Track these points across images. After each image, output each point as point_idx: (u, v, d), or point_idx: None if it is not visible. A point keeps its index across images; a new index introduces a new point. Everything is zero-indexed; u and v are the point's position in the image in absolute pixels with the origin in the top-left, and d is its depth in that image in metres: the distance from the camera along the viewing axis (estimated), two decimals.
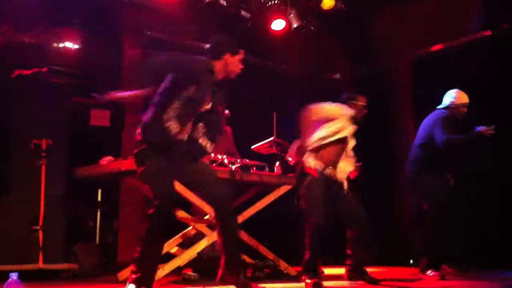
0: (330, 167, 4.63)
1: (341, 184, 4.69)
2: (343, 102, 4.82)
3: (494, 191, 6.31)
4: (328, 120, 4.67)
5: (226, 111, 5.57)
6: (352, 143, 4.73)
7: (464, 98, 5.43)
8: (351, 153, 4.76)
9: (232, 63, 3.92)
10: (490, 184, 6.31)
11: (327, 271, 5.43)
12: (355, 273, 4.74)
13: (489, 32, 6.70)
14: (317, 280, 4.32)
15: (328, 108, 4.70)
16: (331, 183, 4.61)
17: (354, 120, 4.72)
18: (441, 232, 5.22)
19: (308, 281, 4.34)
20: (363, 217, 4.69)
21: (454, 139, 5.21)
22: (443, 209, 5.21)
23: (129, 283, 3.44)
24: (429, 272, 5.14)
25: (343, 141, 4.66)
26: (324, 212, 4.47)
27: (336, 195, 4.65)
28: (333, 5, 7.08)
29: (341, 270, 5.02)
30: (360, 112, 4.83)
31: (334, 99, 4.81)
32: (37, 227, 4.90)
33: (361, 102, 4.86)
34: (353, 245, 4.75)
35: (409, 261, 6.74)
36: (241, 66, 3.95)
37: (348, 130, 4.68)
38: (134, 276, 3.46)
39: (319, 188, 4.52)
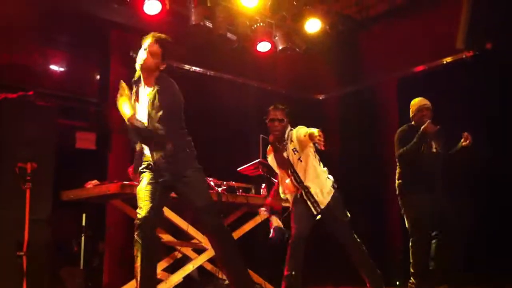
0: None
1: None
2: None
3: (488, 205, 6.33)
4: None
5: None
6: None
7: (416, 103, 5.47)
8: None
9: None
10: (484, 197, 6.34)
11: None
12: None
13: (471, 53, 6.78)
14: None
15: None
16: None
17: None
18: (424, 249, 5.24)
19: None
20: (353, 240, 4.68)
21: (404, 151, 5.23)
22: (420, 228, 5.23)
23: None
24: None
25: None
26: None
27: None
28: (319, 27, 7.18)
29: None
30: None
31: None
32: (21, 253, 4.84)
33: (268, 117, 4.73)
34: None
35: (396, 282, 6.74)
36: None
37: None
38: None
39: None
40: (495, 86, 6.48)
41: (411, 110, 5.52)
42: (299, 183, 4.56)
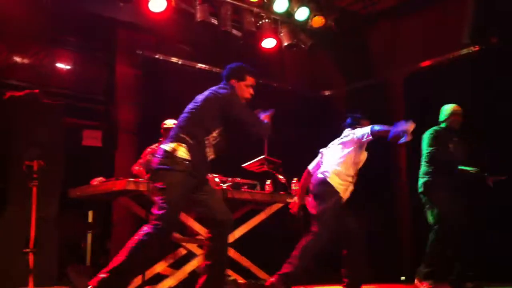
0: None
1: None
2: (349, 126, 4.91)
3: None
4: None
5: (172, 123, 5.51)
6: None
7: (451, 108, 5.57)
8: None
9: (238, 88, 4.00)
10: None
11: None
12: None
13: (477, 48, 6.75)
14: None
15: None
16: None
17: None
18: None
19: None
20: (359, 237, 4.70)
21: (437, 151, 5.34)
22: (447, 222, 5.25)
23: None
24: (424, 285, 5.17)
25: None
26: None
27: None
28: (323, 23, 7.17)
29: None
30: None
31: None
32: (28, 250, 4.88)
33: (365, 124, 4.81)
34: (348, 263, 4.73)
35: (400, 278, 6.73)
36: (250, 92, 4.05)
37: None
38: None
39: None
40: (501, 81, 6.43)
41: (444, 113, 5.59)
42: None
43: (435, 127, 5.54)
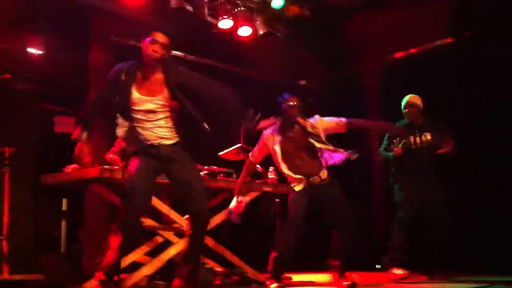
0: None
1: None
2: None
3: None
4: None
5: None
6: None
7: (404, 100, 5.75)
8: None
9: (143, 47, 3.91)
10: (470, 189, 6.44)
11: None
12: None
13: (451, 40, 6.84)
14: (282, 285, 4.41)
15: None
16: None
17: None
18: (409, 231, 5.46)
19: (274, 285, 4.41)
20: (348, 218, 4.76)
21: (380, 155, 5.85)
22: (405, 210, 5.49)
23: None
24: (397, 271, 5.29)
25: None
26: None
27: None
28: (298, 11, 7.16)
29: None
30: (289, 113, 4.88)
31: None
32: (1, 237, 4.80)
33: (290, 102, 4.90)
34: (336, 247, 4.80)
35: (375, 265, 6.83)
36: (151, 49, 3.86)
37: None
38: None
39: None
40: (475, 74, 6.54)
41: (402, 107, 5.77)
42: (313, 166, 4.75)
43: (397, 123, 5.69)
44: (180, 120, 3.98)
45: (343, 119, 4.85)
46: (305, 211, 4.67)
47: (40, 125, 5.52)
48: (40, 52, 6.73)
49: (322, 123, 4.87)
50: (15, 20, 6.42)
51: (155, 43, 3.85)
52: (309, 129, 4.80)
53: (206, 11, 6.81)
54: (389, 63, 7.74)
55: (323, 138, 4.81)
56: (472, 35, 6.63)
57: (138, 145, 3.86)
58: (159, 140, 3.88)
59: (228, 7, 6.88)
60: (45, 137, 5.85)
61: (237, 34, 7.11)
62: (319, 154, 4.79)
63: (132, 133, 3.87)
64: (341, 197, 4.77)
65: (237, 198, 4.91)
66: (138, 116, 3.86)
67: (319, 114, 4.95)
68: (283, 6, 7.15)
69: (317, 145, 4.75)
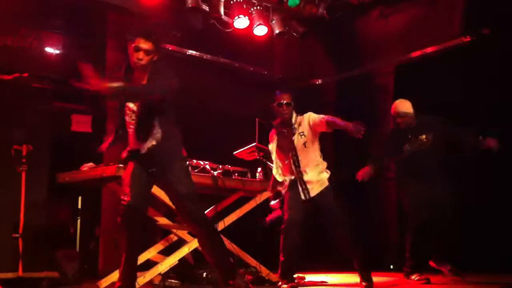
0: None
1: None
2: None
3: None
4: None
5: None
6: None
7: (392, 109, 5.55)
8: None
9: (129, 52, 3.79)
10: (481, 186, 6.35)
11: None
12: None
13: (468, 38, 6.76)
14: (295, 284, 4.40)
15: None
16: None
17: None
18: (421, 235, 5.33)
19: (285, 286, 4.41)
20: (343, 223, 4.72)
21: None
22: (416, 216, 5.35)
23: None
24: (414, 276, 5.21)
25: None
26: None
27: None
28: (314, 11, 7.14)
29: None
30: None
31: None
32: (17, 235, 4.85)
33: (279, 100, 4.75)
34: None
35: (390, 266, 6.79)
36: (135, 57, 3.71)
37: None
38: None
39: None
40: (492, 72, 6.45)
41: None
42: (296, 167, 4.66)
43: (392, 128, 5.60)
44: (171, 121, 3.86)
45: (325, 117, 4.63)
46: (304, 211, 4.63)
47: (57, 124, 5.55)
48: (58, 51, 6.77)
49: (309, 118, 4.71)
50: (33, 19, 6.49)
51: (138, 51, 3.70)
52: (296, 126, 4.71)
53: (222, 10, 6.82)
54: (404, 61, 7.66)
55: (311, 136, 4.69)
56: (490, 33, 6.53)
57: (128, 148, 3.87)
58: (146, 144, 3.77)
59: (244, 6, 6.89)
60: (62, 135, 5.89)
61: (252, 33, 7.12)
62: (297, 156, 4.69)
63: (124, 134, 3.89)
64: (335, 203, 4.71)
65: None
66: (127, 118, 3.83)
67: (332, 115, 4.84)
68: (299, 5, 7.14)
69: (310, 145, 4.68)
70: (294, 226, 4.57)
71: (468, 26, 6.72)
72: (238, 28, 7.07)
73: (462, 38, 6.83)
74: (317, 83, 8.85)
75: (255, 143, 5.59)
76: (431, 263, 5.43)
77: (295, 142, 4.66)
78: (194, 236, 4.91)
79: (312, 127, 4.66)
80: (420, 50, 7.39)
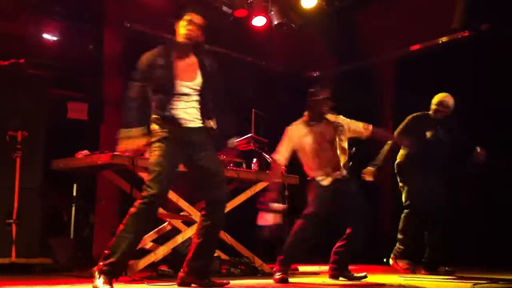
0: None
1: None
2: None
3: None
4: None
5: None
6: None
7: (438, 98, 5.58)
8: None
9: (178, 28, 3.83)
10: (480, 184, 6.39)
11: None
12: (339, 271, 4.77)
13: (467, 33, 6.75)
14: (285, 277, 4.41)
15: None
16: None
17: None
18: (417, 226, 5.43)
19: (278, 275, 4.42)
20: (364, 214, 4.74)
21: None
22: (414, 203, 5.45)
23: (100, 274, 3.43)
24: (400, 263, 5.28)
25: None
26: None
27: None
28: (315, 2, 7.11)
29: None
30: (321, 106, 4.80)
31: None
32: (11, 221, 4.85)
33: (322, 95, 4.79)
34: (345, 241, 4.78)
35: (383, 259, 6.80)
36: (188, 29, 3.77)
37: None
38: (106, 266, 3.44)
39: None
40: (490, 67, 6.46)
41: (432, 101, 5.62)
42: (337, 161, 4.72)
43: (418, 113, 5.63)
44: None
45: (370, 126, 4.83)
46: (329, 208, 4.65)
47: (52, 111, 5.53)
48: (55, 37, 6.74)
49: (347, 122, 4.85)
50: (31, 5, 6.45)
51: (191, 24, 3.78)
52: (337, 125, 4.78)
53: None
54: (404, 55, 7.66)
55: (345, 139, 4.80)
56: (489, 28, 6.52)
57: (169, 126, 3.72)
58: (189, 123, 3.77)
59: None
60: (57, 122, 5.87)
61: (251, 24, 7.09)
62: (338, 152, 4.75)
63: (166, 113, 3.73)
64: (360, 194, 4.75)
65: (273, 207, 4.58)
66: (174, 99, 3.75)
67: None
68: None
69: (342, 144, 4.75)
70: (317, 220, 4.58)
71: (467, 21, 6.70)
72: (237, 19, 7.07)
73: (461, 32, 6.83)
74: (315, 75, 8.85)
75: (251, 134, 5.59)
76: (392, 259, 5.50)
77: (337, 138, 4.74)
78: (188, 225, 4.93)
79: (351, 132, 4.80)
80: (420, 44, 7.39)
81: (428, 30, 7.28)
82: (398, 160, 5.68)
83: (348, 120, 4.86)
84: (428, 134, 5.51)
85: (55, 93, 5.94)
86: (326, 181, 4.68)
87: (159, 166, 3.60)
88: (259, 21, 7.12)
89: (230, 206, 5.22)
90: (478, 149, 5.39)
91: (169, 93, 3.72)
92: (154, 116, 3.73)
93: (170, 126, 3.71)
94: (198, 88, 3.80)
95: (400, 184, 5.67)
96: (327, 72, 8.76)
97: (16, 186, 4.93)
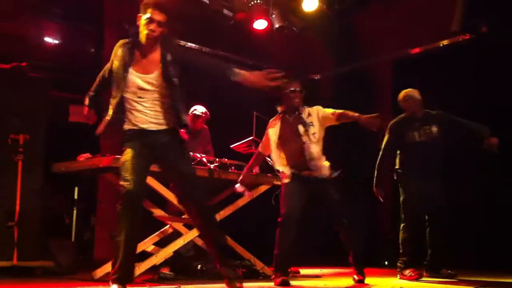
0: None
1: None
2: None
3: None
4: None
5: (202, 111, 5.58)
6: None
7: (401, 94, 5.57)
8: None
9: (139, 25, 3.65)
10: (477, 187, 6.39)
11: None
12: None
13: (467, 36, 6.76)
14: (287, 279, 4.41)
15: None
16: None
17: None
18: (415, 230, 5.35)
19: (278, 279, 4.43)
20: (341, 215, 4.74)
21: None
22: (413, 213, 5.36)
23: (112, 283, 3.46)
24: (407, 272, 5.22)
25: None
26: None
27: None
28: (316, 5, 7.12)
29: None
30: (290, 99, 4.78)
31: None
32: (13, 223, 4.85)
33: (290, 88, 4.77)
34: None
35: (384, 262, 6.81)
36: (148, 28, 3.58)
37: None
38: (114, 274, 3.47)
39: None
40: (490, 70, 6.47)
41: (398, 101, 5.60)
42: (301, 156, 4.66)
43: (394, 119, 5.57)
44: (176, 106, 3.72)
45: (336, 110, 4.69)
46: (301, 205, 4.63)
47: (54, 114, 5.53)
48: (56, 40, 6.74)
49: (319, 111, 4.75)
50: (31, 7, 6.46)
51: (152, 23, 3.57)
52: (304, 116, 4.72)
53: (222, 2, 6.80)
54: (402, 58, 7.67)
55: (319, 129, 4.70)
56: (489, 31, 6.53)
57: (129, 128, 3.71)
58: (149, 125, 3.69)
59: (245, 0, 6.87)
60: (59, 125, 5.87)
61: (252, 26, 7.10)
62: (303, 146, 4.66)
63: (123, 114, 3.70)
64: (335, 197, 4.73)
65: (239, 187, 4.91)
66: (129, 96, 3.66)
67: (330, 108, 4.83)
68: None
69: (303, 136, 4.65)
70: (291, 219, 4.57)
71: (467, 23, 6.72)
72: (238, 22, 7.07)
73: (461, 35, 6.84)
74: (315, 78, 8.86)
75: (252, 137, 5.60)
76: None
77: (301, 131, 4.66)
78: (189, 228, 4.93)
79: (321, 120, 4.71)
80: (419, 47, 7.40)
81: (427, 32, 7.30)
82: (396, 166, 5.57)
83: (321, 108, 4.76)
84: (416, 135, 5.39)
85: (55, 95, 5.94)
86: (286, 179, 4.70)
87: (126, 166, 3.58)
88: (260, 24, 7.13)
89: (232, 208, 5.25)
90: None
91: (121, 84, 3.64)
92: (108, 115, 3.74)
93: (130, 131, 3.71)
94: (155, 82, 3.66)
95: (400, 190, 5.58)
96: (329, 75, 8.77)
97: (18, 189, 4.94)
